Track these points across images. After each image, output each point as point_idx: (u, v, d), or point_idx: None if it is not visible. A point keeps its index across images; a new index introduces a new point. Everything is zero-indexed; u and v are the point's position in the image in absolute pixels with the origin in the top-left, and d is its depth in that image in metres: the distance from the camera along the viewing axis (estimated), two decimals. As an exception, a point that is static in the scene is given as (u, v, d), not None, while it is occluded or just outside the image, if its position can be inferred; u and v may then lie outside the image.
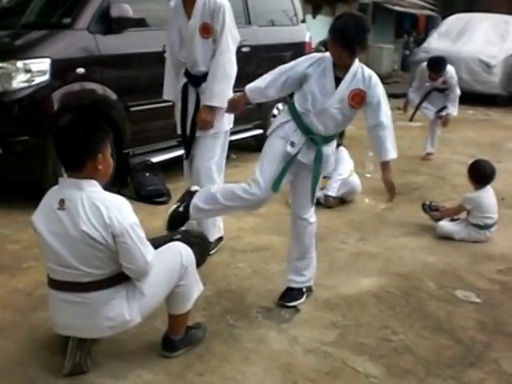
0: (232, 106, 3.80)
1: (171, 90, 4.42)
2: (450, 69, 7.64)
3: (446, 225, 5.17)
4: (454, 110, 7.90)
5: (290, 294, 3.80)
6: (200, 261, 3.25)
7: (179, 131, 4.44)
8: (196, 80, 4.21)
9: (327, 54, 3.48)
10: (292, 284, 3.82)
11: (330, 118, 3.47)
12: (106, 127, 2.87)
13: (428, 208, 5.42)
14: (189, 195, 3.73)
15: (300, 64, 3.50)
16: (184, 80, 4.26)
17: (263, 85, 3.57)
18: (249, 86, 3.62)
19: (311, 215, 3.75)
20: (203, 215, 3.88)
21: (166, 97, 4.51)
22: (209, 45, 4.10)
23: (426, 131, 8.17)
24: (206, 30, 4.06)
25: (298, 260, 3.82)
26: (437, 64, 7.59)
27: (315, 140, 3.48)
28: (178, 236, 3.30)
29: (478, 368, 3.21)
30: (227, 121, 4.30)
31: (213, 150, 4.26)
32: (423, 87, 7.95)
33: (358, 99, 3.43)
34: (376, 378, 3.07)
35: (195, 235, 3.45)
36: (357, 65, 3.45)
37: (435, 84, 7.73)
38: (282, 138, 3.52)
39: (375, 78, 3.46)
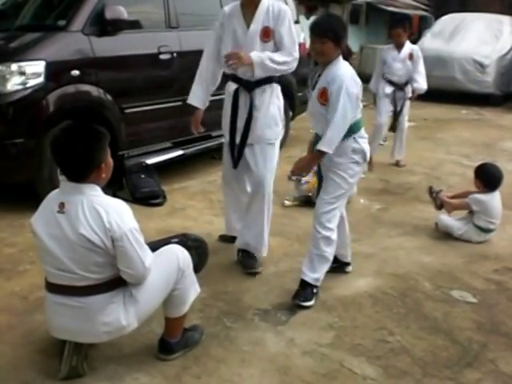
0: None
1: (198, 96, 4.31)
2: (415, 46, 7.47)
3: (447, 219, 5.19)
4: (423, 83, 7.27)
5: (304, 294, 3.79)
6: (198, 265, 3.25)
7: (227, 139, 4.31)
8: (248, 85, 4.12)
9: None
10: (303, 276, 3.83)
11: (316, 118, 3.70)
12: (104, 131, 2.84)
13: (435, 193, 5.42)
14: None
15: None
16: (234, 86, 4.17)
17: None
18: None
19: (329, 220, 3.77)
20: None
21: (191, 102, 4.35)
22: (269, 48, 4.06)
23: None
24: (267, 34, 4.05)
25: (309, 256, 3.85)
26: (394, 21, 7.56)
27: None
28: (176, 240, 3.29)
29: (474, 368, 3.21)
30: (282, 128, 4.34)
31: (272, 159, 4.23)
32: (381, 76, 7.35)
33: (324, 96, 3.61)
34: (373, 380, 3.07)
35: (193, 239, 3.45)
36: (336, 64, 3.60)
37: (400, 57, 7.18)
38: None
39: (339, 77, 3.56)
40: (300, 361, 3.20)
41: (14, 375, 2.96)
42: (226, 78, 4.28)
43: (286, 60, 4.03)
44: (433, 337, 3.51)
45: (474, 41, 13.69)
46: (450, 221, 5.17)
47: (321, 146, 3.57)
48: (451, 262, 4.62)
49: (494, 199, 5.09)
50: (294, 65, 4.11)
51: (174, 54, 6.23)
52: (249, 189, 4.39)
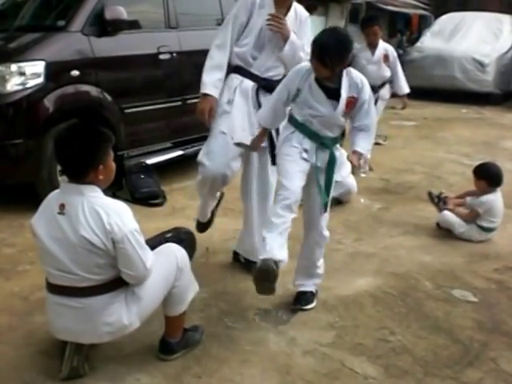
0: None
1: (217, 86, 3.86)
2: (388, 45, 6.97)
3: (450, 215, 5.18)
4: (405, 87, 6.92)
5: (305, 298, 3.79)
6: (190, 253, 3.41)
7: (242, 139, 3.84)
8: (266, 84, 3.88)
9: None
10: (303, 288, 3.82)
11: (335, 124, 3.49)
12: (107, 133, 2.84)
13: (437, 198, 5.42)
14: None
15: (290, 85, 3.48)
16: (251, 83, 3.90)
17: (270, 121, 3.62)
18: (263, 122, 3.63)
19: (324, 226, 3.70)
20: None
21: (208, 91, 3.83)
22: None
23: None
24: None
25: (308, 267, 3.81)
26: (369, 18, 7.04)
27: (326, 144, 3.48)
28: (170, 234, 3.41)
29: (476, 367, 3.21)
30: None
31: None
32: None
33: (351, 105, 3.45)
34: (374, 379, 3.06)
35: (184, 232, 3.75)
36: (345, 72, 3.42)
37: (374, 59, 6.75)
38: (294, 147, 3.48)
39: (365, 83, 3.47)
40: (301, 360, 3.20)
41: (14, 376, 2.96)
42: (233, 71, 3.97)
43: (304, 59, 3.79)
44: (434, 336, 3.50)
45: (473, 40, 13.70)
46: (453, 217, 5.16)
47: (359, 150, 3.50)
48: (452, 261, 4.62)
49: (497, 198, 5.08)
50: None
51: (174, 54, 6.23)
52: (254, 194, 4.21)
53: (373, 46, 6.75)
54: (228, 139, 3.85)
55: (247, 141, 3.80)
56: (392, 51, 6.84)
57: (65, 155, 2.74)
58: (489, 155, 7.76)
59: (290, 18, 3.87)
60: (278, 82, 3.80)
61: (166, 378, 2.98)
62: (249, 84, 3.90)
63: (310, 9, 16.55)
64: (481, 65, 13.15)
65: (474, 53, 13.24)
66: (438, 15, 16.59)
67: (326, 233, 3.72)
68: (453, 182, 6.81)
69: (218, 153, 3.87)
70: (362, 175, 6.78)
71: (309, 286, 3.81)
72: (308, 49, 3.83)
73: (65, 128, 2.90)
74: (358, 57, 6.74)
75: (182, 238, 3.51)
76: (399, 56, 7.24)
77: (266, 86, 3.90)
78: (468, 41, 13.70)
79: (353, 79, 3.43)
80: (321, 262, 3.81)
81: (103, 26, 5.49)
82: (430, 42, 14.21)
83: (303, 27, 3.96)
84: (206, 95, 3.85)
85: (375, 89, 6.49)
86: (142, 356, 3.15)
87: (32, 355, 3.13)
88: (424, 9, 23.31)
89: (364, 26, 6.78)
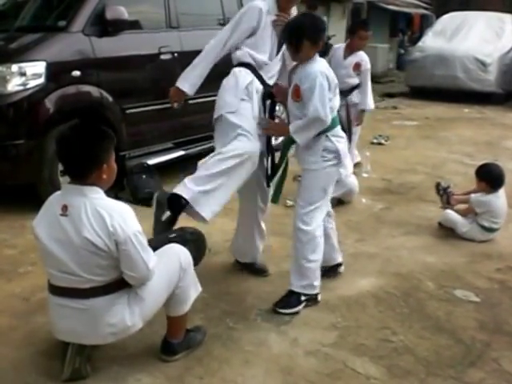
0: None
1: (194, 84, 3.92)
2: (365, 55, 6.44)
3: (453, 214, 5.17)
4: (371, 103, 6.52)
5: (287, 300, 3.73)
6: (196, 258, 3.24)
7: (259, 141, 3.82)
8: (267, 90, 3.88)
9: None
10: (290, 286, 3.78)
11: (292, 115, 3.67)
12: (110, 132, 2.83)
13: (443, 190, 5.41)
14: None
15: None
16: (260, 86, 3.85)
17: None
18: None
19: (306, 223, 3.67)
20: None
21: (180, 86, 3.94)
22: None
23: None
24: None
25: (294, 264, 3.80)
26: (367, 22, 6.78)
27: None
28: (174, 234, 3.31)
29: (478, 367, 3.20)
30: None
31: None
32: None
33: (297, 93, 3.58)
34: (376, 379, 3.05)
35: (190, 232, 3.45)
36: (310, 62, 3.55)
37: (344, 63, 6.34)
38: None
39: (311, 74, 3.50)
40: (303, 361, 3.19)
41: (15, 377, 2.95)
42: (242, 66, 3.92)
43: None
44: (436, 336, 3.49)
45: (475, 39, 13.71)
46: (456, 216, 5.14)
47: (290, 126, 3.59)
48: (454, 261, 4.61)
49: (499, 199, 5.06)
50: None
51: (175, 54, 6.22)
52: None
53: (352, 50, 6.39)
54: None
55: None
56: (366, 63, 6.38)
57: (68, 155, 2.73)
58: (491, 155, 7.75)
59: None
60: None
61: (168, 379, 2.97)
62: (259, 86, 3.87)
63: (311, 8, 16.59)
64: (483, 64, 13.15)
65: (476, 52, 13.24)
66: (439, 15, 16.61)
67: (306, 237, 3.70)
68: (455, 182, 6.76)
69: (254, 134, 3.76)
70: (364, 175, 6.83)
71: (293, 285, 3.75)
72: None
73: (67, 128, 2.88)
74: (334, 55, 6.51)
75: (188, 238, 3.30)
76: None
77: (267, 92, 3.88)
78: (470, 40, 13.70)
79: (303, 69, 3.57)
80: (307, 266, 3.73)
81: (104, 26, 5.50)
82: (431, 41, 14.21)
83: None
84: (179, 89, 3.96)
85: (344, 93, 5.99)
86: (144, 357, 3.14)
87: (33, 356, 3.13)
88: (426, 8, 23.33)
89: (359, 27, 6.45)
